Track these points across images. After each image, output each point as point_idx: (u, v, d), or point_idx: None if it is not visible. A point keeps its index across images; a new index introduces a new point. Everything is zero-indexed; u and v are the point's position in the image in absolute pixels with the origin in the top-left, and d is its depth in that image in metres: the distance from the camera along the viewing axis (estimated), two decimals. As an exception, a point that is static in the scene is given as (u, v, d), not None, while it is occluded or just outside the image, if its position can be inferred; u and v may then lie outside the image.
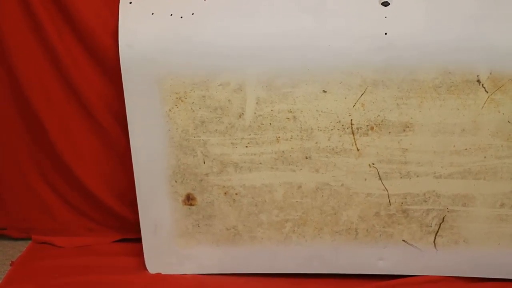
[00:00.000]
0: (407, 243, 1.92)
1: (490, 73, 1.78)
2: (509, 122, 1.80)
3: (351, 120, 1.85)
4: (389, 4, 1.81)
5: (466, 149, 1.83)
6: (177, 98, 1.88)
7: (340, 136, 1.86)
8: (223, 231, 1.97)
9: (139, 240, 2.04)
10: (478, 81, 1.78)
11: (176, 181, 1.94)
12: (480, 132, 1.82)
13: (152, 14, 1.88)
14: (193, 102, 1.88)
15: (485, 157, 1.84)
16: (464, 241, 1.91)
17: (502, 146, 1.82)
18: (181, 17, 1.87)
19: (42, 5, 2.06)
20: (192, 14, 1.87)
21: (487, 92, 1.79)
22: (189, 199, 1.96)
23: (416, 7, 1.82)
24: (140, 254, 2.04)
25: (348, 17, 1.83)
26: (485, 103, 1.80)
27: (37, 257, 2.15)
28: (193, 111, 1.88)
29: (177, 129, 1.90)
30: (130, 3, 1.88)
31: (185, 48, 1.85)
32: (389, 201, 1.89)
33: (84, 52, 2.10)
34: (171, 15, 1.87)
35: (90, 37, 2.08)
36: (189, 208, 1.96)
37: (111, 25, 2.01)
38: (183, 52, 1.86)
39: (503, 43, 1.77)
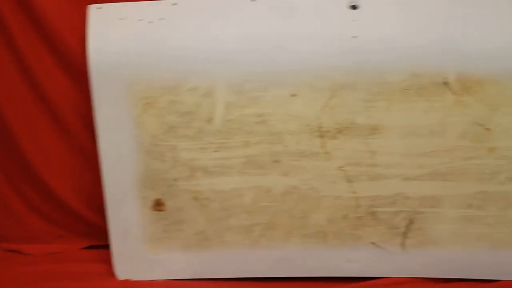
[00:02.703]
0: (375, 245, 1.93)
1: (457, 75, 1.81)
2: (475, 123, 1.81)
3: (320, 123, 1.86)
4: (357, 7, 1.82)
5: (433, 151, 1.85)
6: (146, 103, 1.88)
7: (309, 139, 1.87)
8: (193, 236, 1.97)
9: (108, 246, 2.02)
10: (446, 83, 1.81)
11: (145, 187, 1.94)
12: (447, 134, 1.84)
13: (121, 19, 1.88)
14: (162, 107, 1.88)
15: (452, 158, 1.86)
16: (432, 242, 1.92)
17: (469, 147, 1.84)
18: (150, 22, 1.87)
19: (8, 9, 2.05)
20: (161, 19, 1.87)
21: (455, 94, 1.80)
22: (158, 205, 1.95)
23: (385, 11, 1.83)
24: (109, 260, 2.03)
25: (317, 21, 1.84)
26: (452, 105, 1.81)
27: (5, 265, 2.12)
28: (162, 116, 1.88)
29: (146, 134, 1.90)
30: (99, 8, 1.87)
31: (154, 53, 1.85)
32: (358, 203, 1.90)
33: (52, 57, 2.10)
34: (140, 20, 1.87)
35: (58, 41, 2.07)
36: (158, 214, 1.95)
37: (79, 30, 2.01)
38: (152, 57, 1.86)
39: (470, 45, 1.79)
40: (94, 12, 1.89)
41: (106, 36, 1.87)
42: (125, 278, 2.02)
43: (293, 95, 1.84)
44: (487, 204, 1.89)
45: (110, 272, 2.04)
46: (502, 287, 1.93)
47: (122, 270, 2.02)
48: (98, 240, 2.22)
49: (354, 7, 1.83)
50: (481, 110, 1.83)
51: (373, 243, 1.95)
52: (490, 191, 1.88)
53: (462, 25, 1.80)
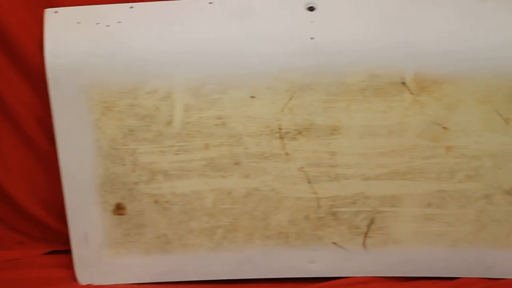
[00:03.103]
0: (337, 245, 1.94)
1: (415, 75, 1.81)
2: (433, 123, 1.83)
3: (280, 125, 1.86)
4: (315, 9, 1.83)
5: (392, 150, 1.86)
6: (104, 107, 1.87)
7: (269, 141, 1.87)
8: (154, 239, 1.96)
9: (69, 251, 2.01)
10: (403, 83, 1.82)
11: (105, 191, 1.93)
12: (406, 133, 1.85)
13: (78, 23, 1.87)
14: (121, 111, 1.87)
15: (411, 157, 1.87)
16: (392, 241, 1.93)
17: (427, 146, 1.85)
18: (108, 26, 1.86)
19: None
20: (119, 22, 1.86)
21: (412, 94, 1.82)
22: (119, 209, 1.94)
23: (342, 12, 1.84)
24: (71, 265, 2.02)
25: (275, 22, 1.84)
26: (410, 104, 1.82)
27: (-36, 273, 2.09)
28: (121, 120, 1.87)
29: (105, 138, 1.89)
30: (56, 12, 1.86)
31: (112, 56, 1.85)
32: (319, 204, 1.91)
33: (9, 62, 2.07)
34: (98, 23, 1.86)
35: (15, 46, 2.05)
36: (119, 218, 1.95)
37: (36, 34, 1.98)
38: (110, 60, 1.85)
39: (426, 45, 1.81)
40: (50, 16, 1.87)
41: (63, 40, 1.86)
42: (87, 283, 2.02)
43: (252, 97, 1.84)
44: (446, 202, 1.91)
45: (72, 277, 2.03)
46: (462, 285, 1.94)
47: (84, 275, 2.01)
48: (59, 246, 2.21)
49: (311, 8, 1.83)
50: (438, 109, 1.84)
51: (334, 243, 1.95)
52: (449, 189, 1.90)
53: (418, 26, 1.82)
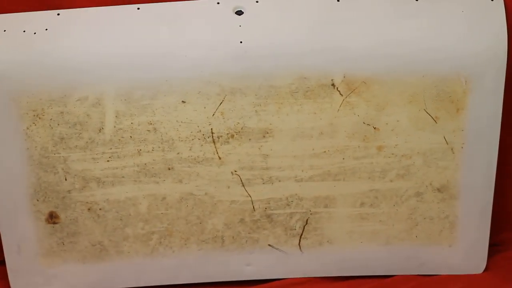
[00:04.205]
0: (273, 247, 1.94)
1: (344, 77, 1.82)
2: (364, 123, 1.84)
3: (212, 129, 1.86)
4: (243, 13, 1.83)
5: (325, 151, 1.87)
6: (34, 115, 1.84)
7: (202, 145, 1.87)
8: (89, 247, 1.95)
9: (3, 262, 1.98)
10: (333, 84, 1.83)
11: (37, 200, 1.91)
12: (337, 134, 1.86)
13: (4, 31, 1.84)
14: (51, 119, 1.85)
15: (343, 158, 1.88)
16: (328, 241, 1.95)
17: (359, 147, 1.87)
18: (35, 33, 1.84)
19: None
20: (46, 29, 1.84)
21: (342, 95, 1.83)
22: (52, 217, 1.92)
23: (270, 15, 1.85)
24: (5, 276, 1.98)
25: (203, 27, 1.84)
26: (340, 106, 1.84)
27: None
28: (52, 127, 1.85)
29: (36, 147, 1.87)
30: (-19, 21, 1.83)
31: (41, 64, 1.83)
32: (253, 207, 1.91)
33: None
34: (24, 31, 1.84)
35: None
36: (53, 226, 1.93)
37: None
38: (38, 68, 1.83)
39: (354, 46, 1.82)
40: (-25, 24, 1.84)
41: (-11, 49, 1.82)
42: (22, 294, 1.98)
43: (183, 102, 1.84)
44: (379, 201, 1.93)
45: (6, 289, 1.99)
46: (397, 282, 1.96)
47: (19, 285, 2.00)
48: (-7, 257, 2.17)
49: (239, 12, 1.83)
50: (368, 110, 1.86)
51: (270, 245, 1.96)
52: (381, 188, 1.91)
53: (346, 28, 1.83)
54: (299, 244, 1.97)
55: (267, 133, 1.87)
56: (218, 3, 1.86)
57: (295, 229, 1.96)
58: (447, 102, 1.86)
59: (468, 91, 1.85)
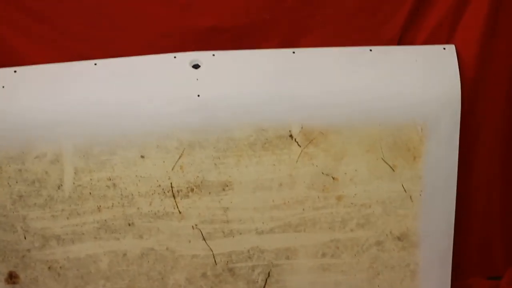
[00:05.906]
0: (235, 301, 1.93)
1: (301, 128, 1.83)
2: (323, 173, 1.85)
3: (171, 183, 1.85)
4: (199, 66, 1.84)
5: (284, 203, 1.87)
6: (-8, 173, 1.82)
7: (161, 200, 1.86)
8: (50, 307, 1.91)
9: (-38, 324, 1.95)
10: (291, 135, 1.84)
11: (-4, 260, 1.87)
12: (296, 185, 1.86)
13: (-39, 89, 1.83)
14: (9, 177, 1.84)
15: (303, 209, 1.88)
16: (290, 293, 1.92)
17: (318, 197, 1.87)
18: (-8, 91, 1.82)
19: None
20: (3, 87, 1.83)
21: (300, 146, 1.84)
22: (12, 277, 1.90)
23: (227, 68, 1.86)
24: None
25: (160, 81, 1.85)
26: (299, 157, 1.85)
27: None
28: (10, 186, 1.84)
29: (-6, 205, 1.84)
30: None
31: (-2, 122, 1.80)
32: (215, 261, 1.90)
33: None
34: (-19, 89, 1.83)
35: None
36: (13, 287, 1.89)
37: None
38: (-5, 126, 1.80)
39: (310, 97, 1.84)
40: None
41: None
42: None
43: (142, 157, 1.84)
44: (340, 251, 1.93)
45: None
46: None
47: None
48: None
49: (196, 66, 1.84)
50: (326, 160, 1.87)
51: (233, 299, 1.94)
52: (342, 238, 1.91)
53: (301, 78, 1.85)
54: (262, 297, 1.95)
55: (227, 186, 1.87)
56: (174, 57, 1.87)
57: (258, 282, 1.95)
58: (404, 150, 1.87)
59: (424, 139, 1.87)
